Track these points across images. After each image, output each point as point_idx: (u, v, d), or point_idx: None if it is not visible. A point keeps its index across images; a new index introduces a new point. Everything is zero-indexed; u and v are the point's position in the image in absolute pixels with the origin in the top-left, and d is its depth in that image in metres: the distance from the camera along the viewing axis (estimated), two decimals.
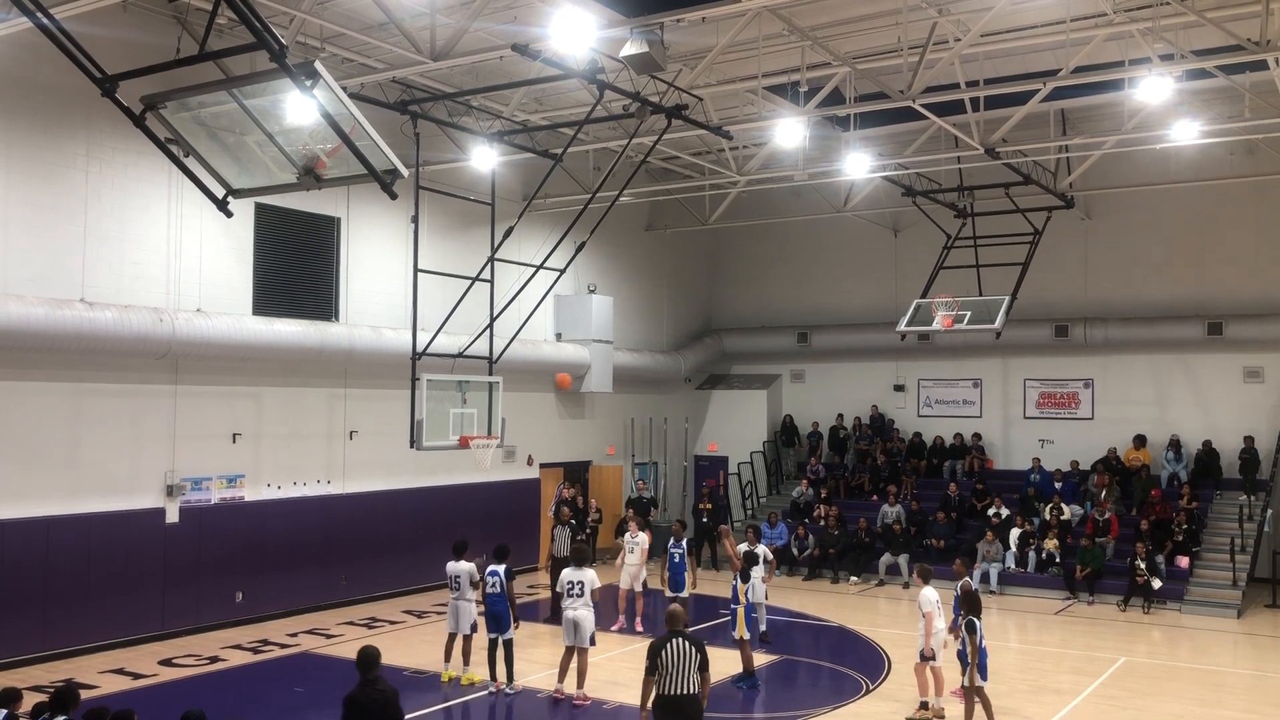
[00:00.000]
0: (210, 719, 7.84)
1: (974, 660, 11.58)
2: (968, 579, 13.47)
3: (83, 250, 15.35)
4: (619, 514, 23.82)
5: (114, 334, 15.01)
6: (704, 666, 9.27)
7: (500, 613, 13.45)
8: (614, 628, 16.88)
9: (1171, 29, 14.28)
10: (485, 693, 13.55)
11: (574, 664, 13.10)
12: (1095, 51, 15.51)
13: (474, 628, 13.90)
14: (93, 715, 8.08)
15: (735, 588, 14.04)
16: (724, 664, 14.78)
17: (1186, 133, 17.66)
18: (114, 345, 15.15)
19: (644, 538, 17.56)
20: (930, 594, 12.86)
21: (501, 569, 13.50)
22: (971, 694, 11.79)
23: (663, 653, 9.20)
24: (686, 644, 9.23)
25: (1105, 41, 15.40)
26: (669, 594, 15.93)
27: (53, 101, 14.90)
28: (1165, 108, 17.37)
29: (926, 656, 12.69)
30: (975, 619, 11.82)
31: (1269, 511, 21.16)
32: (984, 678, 11.81)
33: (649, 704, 9.26)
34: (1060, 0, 14.34)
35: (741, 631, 13.93)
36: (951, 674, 12.68)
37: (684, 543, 16.37)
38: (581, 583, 13.09)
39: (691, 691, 9.19)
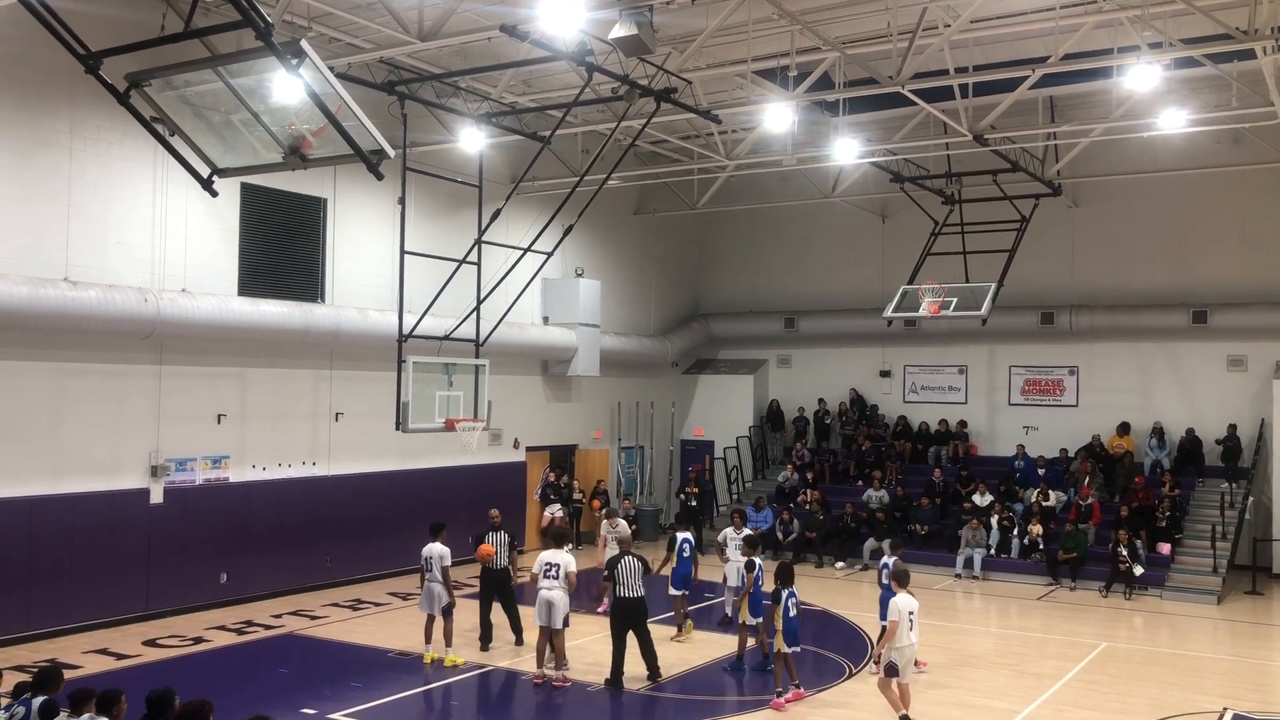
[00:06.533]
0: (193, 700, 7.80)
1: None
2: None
3: (66, 229, 15.24)
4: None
5: (98, 314, 14.91)
6: (645, 571, 12.98)
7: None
8: (600, 610, 16.84)
9: (1160, 17, 14.29)
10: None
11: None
12: (1084, 39, 15.52)
13: (449, 609, 13.93)
14: (79, 695, 8.01)
15: (743, 575, 14.05)
16: (709, 648, 14.91)
17: (1174, 121, 17.69)
18: (98, 325, 15.05)
19: (623, 525, 17.51)
20: (904, 602, 11.41)
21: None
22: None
23: (619, 566, 12.84)
24: (635, 560, 12.92)
25: (1094, 29, 15.42)
26: (674, 591, 15.53)
27: (36, 78, 14.76)
28: (1153, 96, 17.41)
29: (890, 672, 11.36)
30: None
31: (1250, 499, 21.32)
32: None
33: (606, 604, 13.29)
34: None
35: (745, 617, 13.75)
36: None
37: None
38: (557, 565, 13.03)
39: (639, 595, 12.79)
